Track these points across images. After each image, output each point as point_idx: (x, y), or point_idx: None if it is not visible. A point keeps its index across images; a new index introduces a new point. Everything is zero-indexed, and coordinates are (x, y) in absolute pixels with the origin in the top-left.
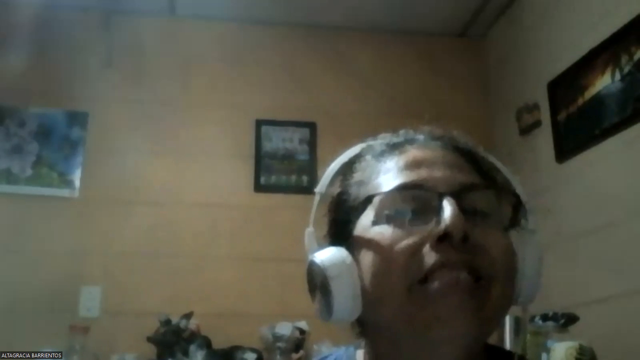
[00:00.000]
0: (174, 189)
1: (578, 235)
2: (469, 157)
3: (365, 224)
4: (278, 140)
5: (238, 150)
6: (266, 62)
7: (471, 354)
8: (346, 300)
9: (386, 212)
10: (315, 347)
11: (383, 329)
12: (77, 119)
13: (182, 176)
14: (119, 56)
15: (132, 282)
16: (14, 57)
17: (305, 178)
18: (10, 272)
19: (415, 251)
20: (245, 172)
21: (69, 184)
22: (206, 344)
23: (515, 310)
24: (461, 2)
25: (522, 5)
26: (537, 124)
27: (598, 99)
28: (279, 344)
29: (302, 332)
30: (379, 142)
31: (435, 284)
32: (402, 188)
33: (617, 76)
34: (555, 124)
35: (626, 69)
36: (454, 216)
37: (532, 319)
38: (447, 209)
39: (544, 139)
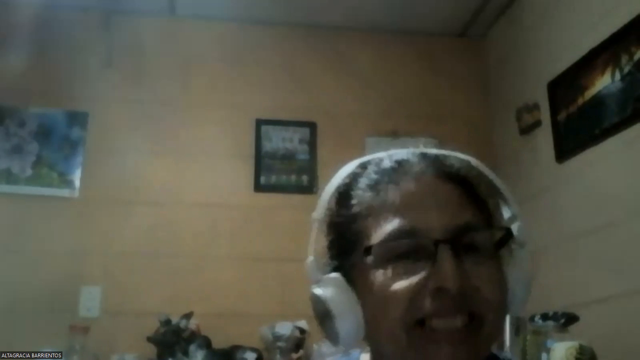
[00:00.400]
0: (174, 189)
1: (578, 235)
2: (462, 185)
3: (366, 263)
4: (278, 140)
5: (238, 150)
6: (266, 62)
7: None
8: (349, 334)
9: (385, 255)
10: (315, 346)
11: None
12: (77, 119)
13: (182, 176)
14: (119, 56)
15: (132, 282)
16: (14, 57)
17: (305, 178)
18: (10, 272)
19: (414, 295)
20: (245, 172)
21: (69, 184)
22: (206, 344)
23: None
24: (461, 2)
25: (522, 5)
26: (537, 124)
27: (598, 99)
28: (279, 344)
29: (302, 331)
30: (372, 167)
31: (431, 330)
32: (397, 237)
33: (617, 76)
34: (555, 124)
35: (626, 69)
36: (449, 270)
37: (532, 318)
38: (443, 262)
39: (544, 139)
